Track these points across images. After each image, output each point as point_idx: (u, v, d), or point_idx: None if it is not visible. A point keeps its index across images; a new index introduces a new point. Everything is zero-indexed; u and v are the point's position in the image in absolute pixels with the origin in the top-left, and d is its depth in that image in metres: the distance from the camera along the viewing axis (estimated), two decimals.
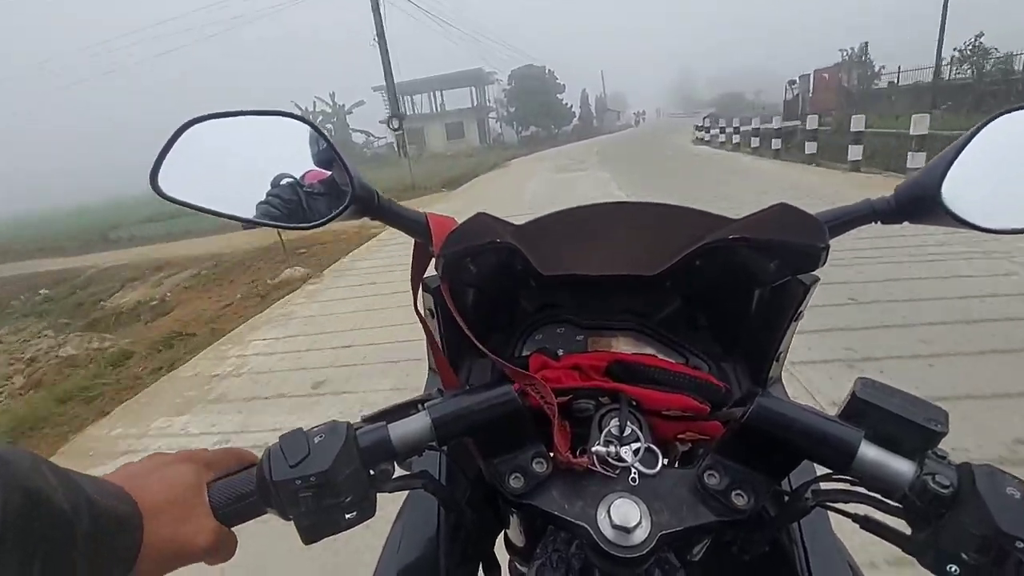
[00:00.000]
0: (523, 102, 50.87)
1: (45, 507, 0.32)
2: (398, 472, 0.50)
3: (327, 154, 0.61)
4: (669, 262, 0.62)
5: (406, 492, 0.63)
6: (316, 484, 0.43)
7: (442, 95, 52.29)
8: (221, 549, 0.46)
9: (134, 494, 0.41)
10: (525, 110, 50.91)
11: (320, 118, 42.39)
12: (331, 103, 46.94)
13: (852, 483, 0.45)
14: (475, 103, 50.82)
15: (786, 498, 0.52)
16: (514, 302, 0.74)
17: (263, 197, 0.61)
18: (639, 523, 0.43)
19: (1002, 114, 0.54)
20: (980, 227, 0.54)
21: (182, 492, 0.44)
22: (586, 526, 0.44)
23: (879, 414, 0.43)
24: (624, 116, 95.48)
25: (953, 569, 0.38)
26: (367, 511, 0.46)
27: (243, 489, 0.46)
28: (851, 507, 0.46)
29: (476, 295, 0.69)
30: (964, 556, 0.38)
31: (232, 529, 0.47)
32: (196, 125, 0.59)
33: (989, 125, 0.54)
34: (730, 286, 0.66)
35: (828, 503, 0.48)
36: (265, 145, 0.63)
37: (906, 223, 0.59)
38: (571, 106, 54.96)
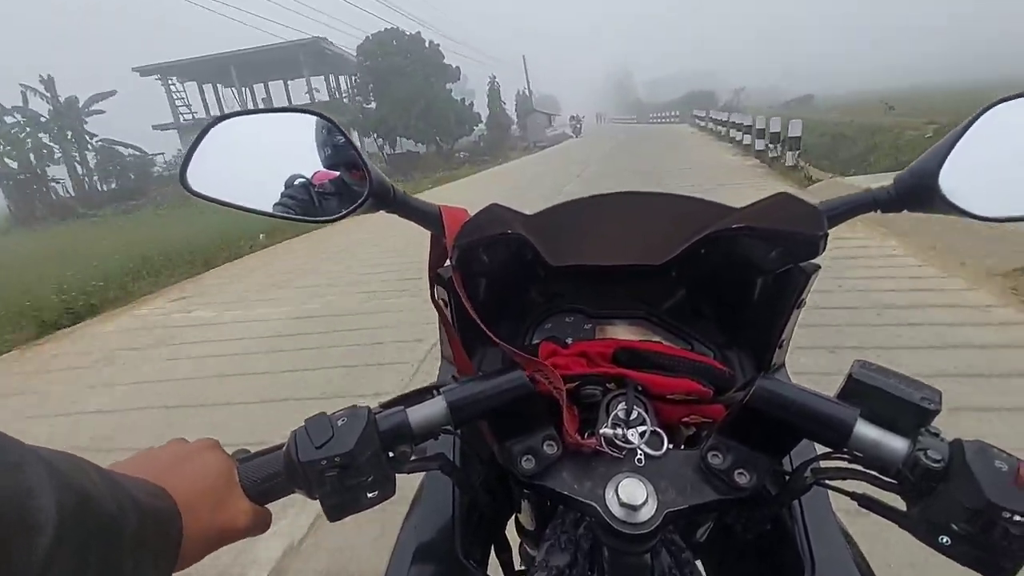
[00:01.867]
0: (383, 95, 28.10)
1: (95, 508, 0.33)
2: (416, 455, 0.53)
3: (340, 152, 0.64)
4: (674, 252, 0.64)
5: (423, 475, 0.66)
6: (340, 464, 0.45)
7: (286, 86, 33.62)
8: (257, 525, 0.49)
9: (170, 488, 0.43)
10: (387, 109, 27.79)
11: (27, 129, 24.91)
12: (48, 95, 25.66)
13: (850, 462, 0.47)
14: (314, 96, 30.40)
15: (787, 477, 0.54)
16: (525, 292, 0.77)
17: (278, 196, 0.64)
18: (645, 501, 0.45)
19: (999, 102, 0.55)
20: (977, 215, 0.55)
21: (215, 480, 0.47)
22: (595, 505, 0.46)
23: (875, 394, 0.44)
24: (558, 121, 58.18)
25: (944, 540, 0.40)
26: (387, 490, 0.49)
27: (271, 470, 0.49)
28: (849, 485, 0.48)
29: (488, 285, 0.71)
30: (955, 527, 0.40)
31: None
32: (222, 123, 0.62)
33: (986, 114, 0.55)
34: (734, 275, 0.68)
35: (826, 481, 0.50)
36: (285, 142, 0.65)
37: (907, 212, 0.60)
38: (471, 104, 31.64)
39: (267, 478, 0.48)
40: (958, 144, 0.54)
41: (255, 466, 0.49)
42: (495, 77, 38.22)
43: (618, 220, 0.70)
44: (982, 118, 0.55)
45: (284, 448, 0.48)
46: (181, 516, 0.42)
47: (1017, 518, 0.37)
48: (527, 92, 51.85)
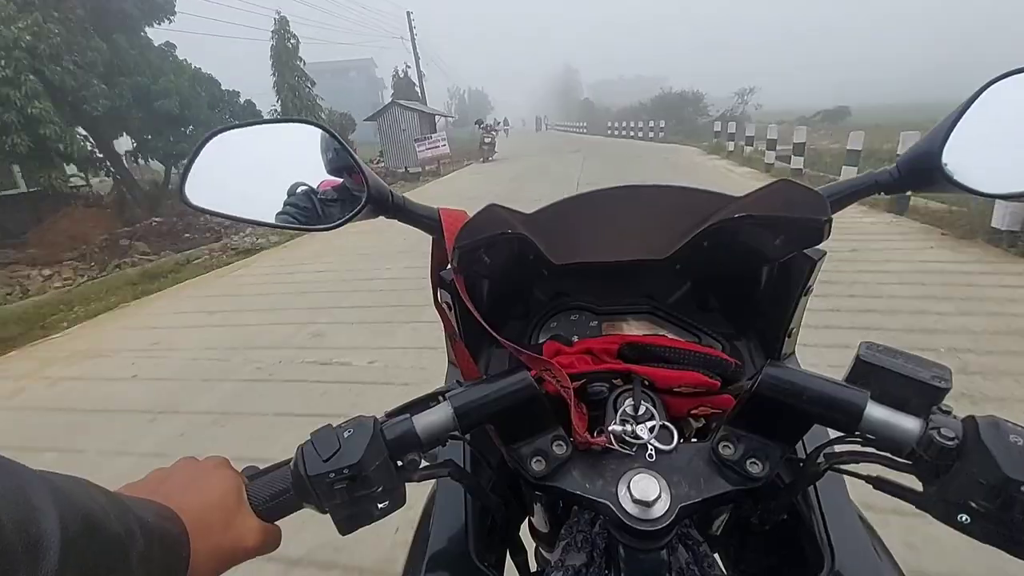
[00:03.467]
0: None
1: (101, 531, 0.33)
2: (425, 463, 0.52)
3: (342, 158, 0.64)
4: (677, 245, 0.64)
5: (434, 482, 0.65)
6: (349, 476, 0.45)
7: None
8: (267, 544, 0.48)
9: (178, 509, 0.42)
10: None
11: None
12: None
13: (863, 445, 0.46)
14: None
15: (800, 464, 0.53)
16: (528, 291, 0.76)
17: (281, 205, 0.64)
18: (659, 496, 0.44)
19: (999, 79, 0.55)
20: (982, 192, 0.54)
21: (223, 498, 0.46)
22: (608, 503, 0.46)
23: (884, 375, 0.44)
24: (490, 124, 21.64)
25: (963, 518, 0.40)
26: (398, 501, 0.49)
27: (279, 486, 0.48)
28: (863, 469, 0.48)
29: (491, 286, 0.70)
30: (973, 504, 0.39)
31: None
32: (218, 136, 0.62)
33: (987, 90, 0.54)
34: (739, 265, 0.68)
35: (840, 466, 0.49)
36: (284, 152, 0.66)
37: (910, 192, 0.60)
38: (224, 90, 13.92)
39: (276, 495, 0.48)
40: (960, 122, 0.54)
41: (263, 483, 0.49)
42: (281, 15, 18.32)
43: (618, 215, 0.70)
44: (983, 95, 0.55)
45: (292, 463, 0.48)
46: (190, 537, 0.42)
47: None
48: (408, 73, 26.66)
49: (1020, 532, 0.38)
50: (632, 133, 29.75)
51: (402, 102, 19.09)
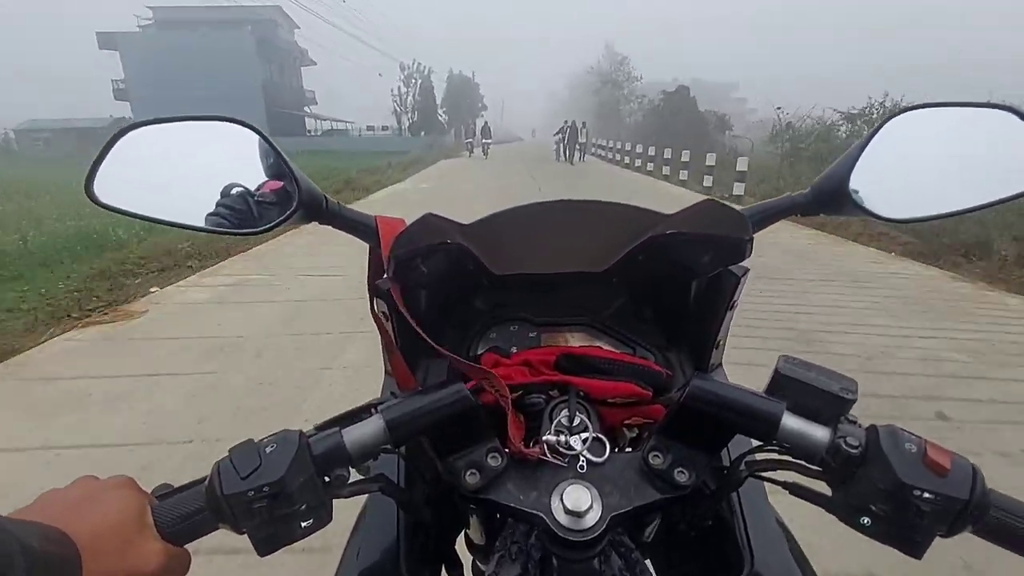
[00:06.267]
0: None
1: None
2: (355, 477, 0.51)
3: (266, 158, 0.62)
4: (614, 259, 0.66)
5: (365, 497, 0.63)
6: (269, 494, 0.43)
7: None
8: (172, 568, 0.45)
9: (70, 530, 0.39)
10: None
11: None
12: None
13: (780, 453, 0.49)
14: None
15: (724, 472, 0.56)
16: (467, 302, 0.76)
17: (212, 207, 0.61)
18: (590, 507, 0.45)
19: (899, 113, 0.60)
20: (885, 217, 0.59)
21: (122, 518, 0.42)
22: (541, 514, 0.46)
23: (799, 387, 0.47)
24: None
25: (865, 521, 0.43)
26: (323, 518, 0.46)
27: (191, 507, 0.45)
28: (781, 476, 0.50)
29: (429, 296, 0.70)
30: (873, 508, 0.42)
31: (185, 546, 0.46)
32: (133, 131, 0.58)
33: (888, 123, 0.59)
34: (670, 279, 0.71)
35: (760, 472, 0.52)
36: (211, 152, 0.62)
37: (822, 215, 0.64)
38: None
39: (186, 516, 0.44)
40: (864, 152, 0.58)
41: (172, 504, 0.45)
42: None
43: (557, 228, 0.71)
44: (885, 127, 0.59)
45: (206, 482, 0.45)
46: (82, 560, 0.38)
47: (927, 495, 0.40)
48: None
49: (913, 532, 0.42)
50: None
51: None
